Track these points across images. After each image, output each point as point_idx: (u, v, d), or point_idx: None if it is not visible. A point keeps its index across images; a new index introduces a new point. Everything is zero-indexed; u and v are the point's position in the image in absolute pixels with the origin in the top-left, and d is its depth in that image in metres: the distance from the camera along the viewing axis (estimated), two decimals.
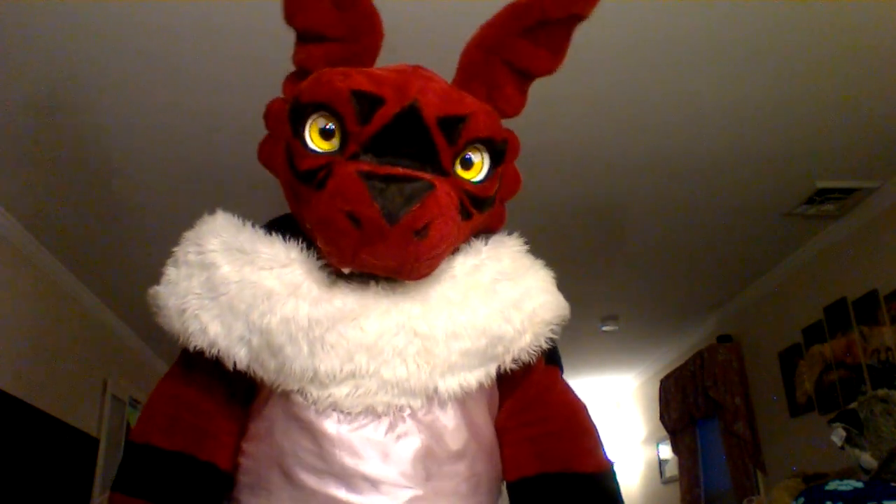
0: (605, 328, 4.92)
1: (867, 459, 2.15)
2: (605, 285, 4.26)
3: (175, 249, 1.09)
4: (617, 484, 1.13)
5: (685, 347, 5.39)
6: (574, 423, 1.14)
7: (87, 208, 3.15)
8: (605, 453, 1.14)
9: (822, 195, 3.24)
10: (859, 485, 1.84)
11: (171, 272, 1.07)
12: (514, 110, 1.16)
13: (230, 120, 2.56)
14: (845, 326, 3.55)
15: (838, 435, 2.25)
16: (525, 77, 1.15)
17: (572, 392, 1.19)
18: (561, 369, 1.21)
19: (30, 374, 3.41)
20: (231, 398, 1.11)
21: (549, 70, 1.15)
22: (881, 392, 2.28)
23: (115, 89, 2.38)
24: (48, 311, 3.65)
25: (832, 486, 1.86)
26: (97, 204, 3.12)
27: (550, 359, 1.17)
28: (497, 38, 1.12)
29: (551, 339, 1.11)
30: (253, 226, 1.09)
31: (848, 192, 3.21)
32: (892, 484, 1.92)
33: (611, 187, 3.15)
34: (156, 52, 2.22)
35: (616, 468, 1.15)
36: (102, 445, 4.23)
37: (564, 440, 1.12)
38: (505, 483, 1.16)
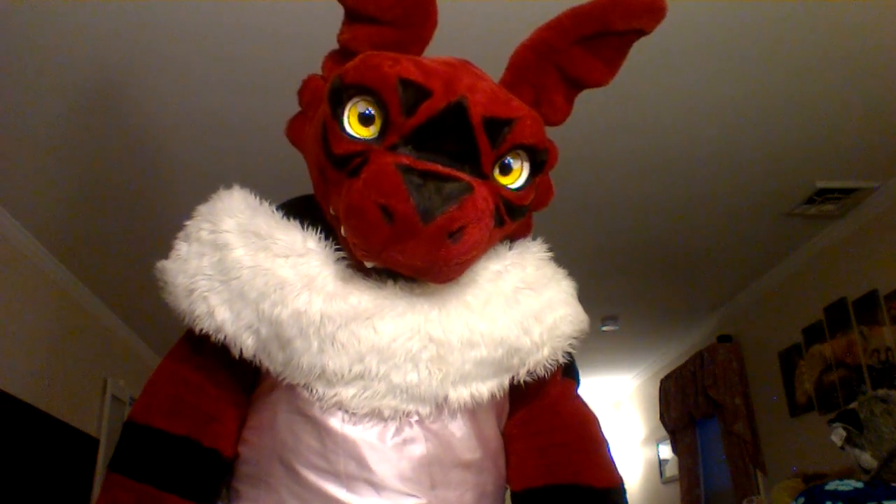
0: (605, 328, 4.92)
1: (867, 459, 2.15)
2: (605, 285, 4.26)
3: (187, 223, 1.06)
4: (626, 502, 1.09)
5: (685, 347, 5.38)
6: (586, 436, 1.11)
7: (87, 208, 3.15)
8: (616, 469, 1.10)
9: (822, 195, 3.24)
10: (859, 485, 1.84)
11: (181, 247, 1.04)
12: (559, 119, 1.12)
13: (228, 120, 2.56)
14: (845, 326, 3.55)
15: (838, 435, 2.25)
16: (575, 86, 1.11)
17: (586, 405, 1.15)
18: (578, 383, 1.18)
19: (30, 374, 3.41)
20: (235, 383, 1.08)
21: (600, 82, 1.11)
22: (881, 392, 2.28)
23: (106, 86, 2.39)
24: (48, 311, 3.65)
25: (832, 486, 1.86)
26: (97, 204, 3.12)
27: (567, 372, 1.14)
28: (552, 43, 1.08)
29: (569, 354, 1.08)
30: (270, 205, 1.06)
31: (848, 192, 3.21)
32: (892, 484, 1.92)
33: (610, 187, 3.16)
34: (151, 46, 2.23)
35: (625, 485, 1.12)
36: (102, 445, 4.23)
37: (575, 452, 1.08)
38: (510, 493, 1.12)
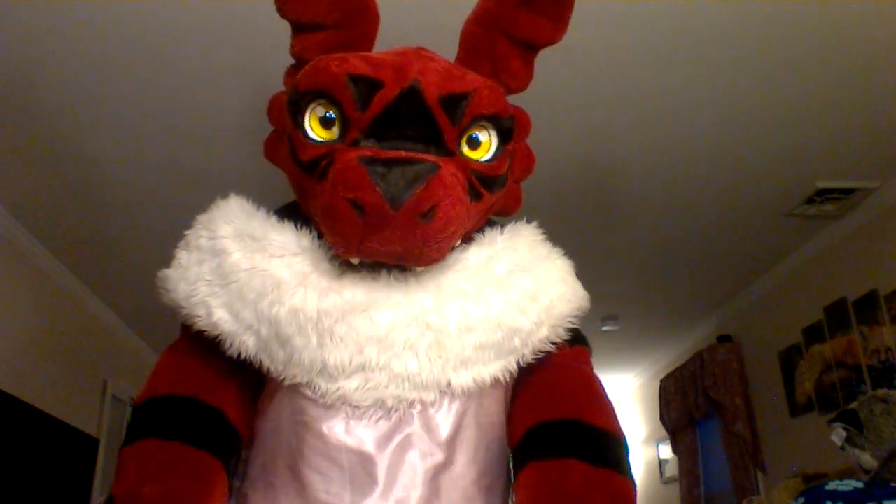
0: (605, 328, 4.92)
1: (867, 459, 2.15)
2: (605, 285, 4.26)
3: (187, 233, 1.08)
4: (629, 457, 1.04)
5: (685, 347, 5.38)
6: (589, 388, 1.08)
7: (87, 208, 3.15)
8: (619, 424, 1.05)
9: (822, 195, 3.24)
10: (859, 485, 1.84)
11: (181, 256, 1.06)
12: (521, 85, 1.14)
13: (224, 118, 2.56)
14: (845, 326, 3.54)
15: (838, 435, 2.25)
16: (529, 49, 1.12)
17: (591, 369, 1.14)
18: (590, 350, 1.16)
19: (30, 374, 3.42)
20: (236, 375, 1.07)
21: (552, 39, 1.12)
22: (881, 392, 2.28)
23: (104, 86, 2.39)
24: (48, 310, 3.65)
25: (832, 486, 1.86)
26: (97, 204, 3.12)
27: (575, 341, 1.13)
28: (495, 11, 1.09)
29: (571, 329, 1.08)
30: (266, 212, 1.08)
31: (848, 192, 3.21)
32: (892, 484, 1.92)
33: (611, 187, 3.15)
34: (148, 45, 2.23)
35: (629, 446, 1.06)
36: (102, 445, 4.23)
37: (576, 394, 1.06)
38: (511, 457, 1.09)
